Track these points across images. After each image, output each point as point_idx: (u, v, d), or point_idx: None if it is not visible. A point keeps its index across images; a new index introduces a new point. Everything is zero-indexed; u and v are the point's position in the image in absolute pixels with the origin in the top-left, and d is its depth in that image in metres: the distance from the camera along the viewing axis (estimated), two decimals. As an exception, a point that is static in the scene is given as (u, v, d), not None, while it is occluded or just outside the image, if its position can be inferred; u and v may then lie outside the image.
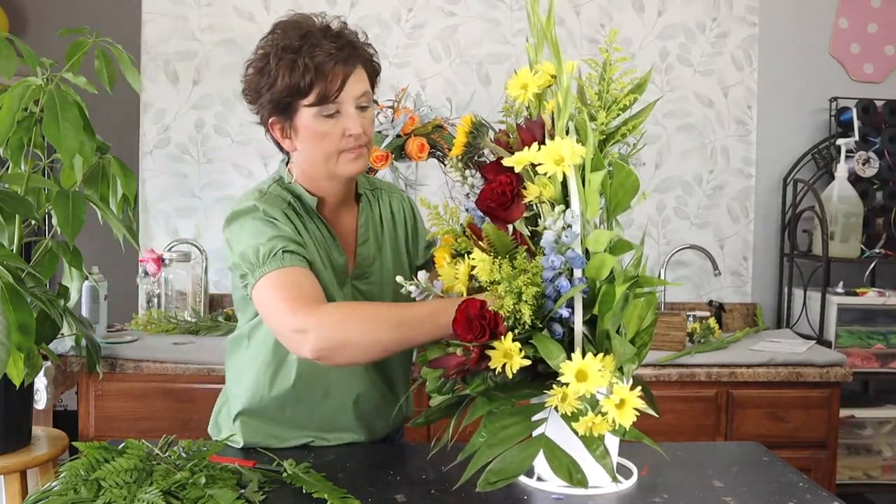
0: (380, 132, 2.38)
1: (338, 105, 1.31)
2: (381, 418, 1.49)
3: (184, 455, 1.23)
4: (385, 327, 1.21)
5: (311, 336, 1.19)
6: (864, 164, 2.80)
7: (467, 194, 1.29)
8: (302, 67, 1.27)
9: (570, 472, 1.12)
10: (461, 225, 1.31)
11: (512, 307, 1.11)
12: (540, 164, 1.10)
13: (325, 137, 1.32)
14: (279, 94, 1.30)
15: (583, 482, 1.12)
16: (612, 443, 1.20)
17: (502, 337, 1.10)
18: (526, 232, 1.19)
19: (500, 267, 1.13)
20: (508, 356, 1.10)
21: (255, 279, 1.28)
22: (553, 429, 1.13)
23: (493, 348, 1.11)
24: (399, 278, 1.25)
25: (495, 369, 1.11)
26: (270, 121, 1.36)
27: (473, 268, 1.18)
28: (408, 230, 1.53)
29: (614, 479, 1.16)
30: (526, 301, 1.10)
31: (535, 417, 1.14)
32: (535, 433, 1.14)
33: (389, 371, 1.48)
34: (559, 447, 1.13)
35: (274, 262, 1.27)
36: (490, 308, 1.11)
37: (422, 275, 1.22)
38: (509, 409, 1.14)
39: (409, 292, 1.23)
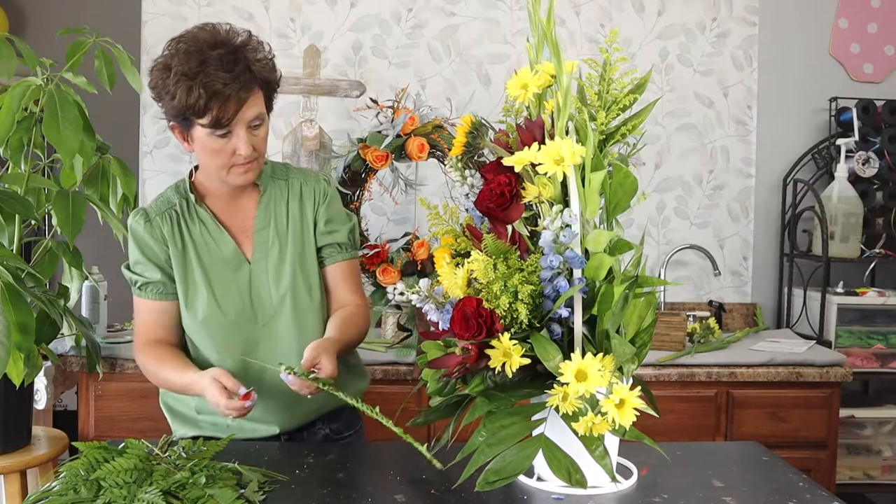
0: (380, 132, 2.38)
1: (230, 128, 1.42)
2: (297, 405, 1.54)
3: (184, 455, 1.23)
4: (168, 387, 1.54)
5: (140, 368, 1.56)
6: (864, 164, 2.79)
7: (467, 194, 1.29)
8: (197, 94, 1.37)
9: (570, 472, 1.12)
10: (461, 225, 1.31)
11: (508, 306, 1.11)
12: (540, 164, 1.10)
13: (218, 153, 1.44)
14: (177, 109, 1.41)
15: (582, 482, 1.12)
16: (612, 443, 1.20)
17: (499, 335, 1.10)
18: (525, 232, 1.19)
19: (494, 266, 1.13)
20: (508, 355, 1.10)
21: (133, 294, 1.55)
22: (552, 429, 1.13)
23: (492, 347, 1.11)
24: (400, 284, 1.27)
25: (495, 369, 1.11)
26: (171, 124, 1.48)
27: (471, 272, 1.18)
28: (317, 216, 1.58)
29: (613, 480, 1.16)
30: (522, 300, 1.10)
31: (535, 417, 1.14)
32: (534, 433, 1.14)
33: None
34: (558, 447, 1.13)
35: (136, 290, 1.54)
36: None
37: (423, 282, 1.22)
38: (509, 408, 1.14)
39: (411, 300, 1.22)
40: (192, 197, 1.54)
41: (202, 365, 1.52)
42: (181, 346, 1.57)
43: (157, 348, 1.52)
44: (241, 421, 1.50)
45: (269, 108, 1.51)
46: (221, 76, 1.37)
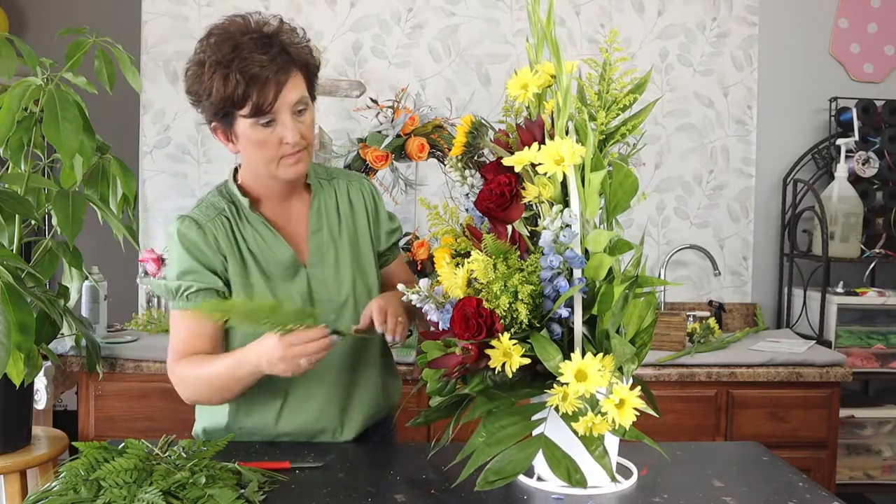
0: (380, 132, 2.38)
1: (273, 114, 1.33)
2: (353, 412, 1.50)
3: (184, 455, 1.23)
4: (213, 385, 1.39)
5: (177, 390, 1.43)
6: (863, 164, 2.79)
7: (467, 194, 1.29)
8: (234, 81, 1.30)
9: (569, 472, 1.12)
10: (461, 225, 1.31)
11: (508, 306, 1.11)
12: (540, 164, 1.10)
13: (263, 145, 1.35)
14: (216, 104, 1.33)
15: (581, 482, 1.12)
16: (612, 443, 1.20)
17: (499, 335, 1.10)
18: (525, 232, 1.19)
19: (494, 266, 1.13)
20: (508, 355, 1.10)
21: (171, 306, 1.44)
22: (552, 428, 1.13)
23: (492, 346, 1.11)
24: (401, 286, 1.24)
25: (494, 369, 1.11)
26: (213, 125, 1.39)
27: (471, 272, 1.18)
28: (368, 216, 1.54)
29: (613, 480, 1.16)
30: (522, 300, 1.10)
31: (535, 417, 1.14)
32: (534, 433, 1.14)
33: (352, 375, 1.49)
34: (558, 447, 1.13)
35: (180, 303, 1.41)
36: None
37: (423, 282, 1.22)
38: (508, 408, 1.14)
39: (411, 300, 1.22)
40: (244, 202, 1.44)
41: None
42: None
43: (195, 356, 1.41)
44: (294, 436, 1.46)
45: (311, 94, 1.42)
46: (257, 58, 1.30)
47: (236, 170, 1.49)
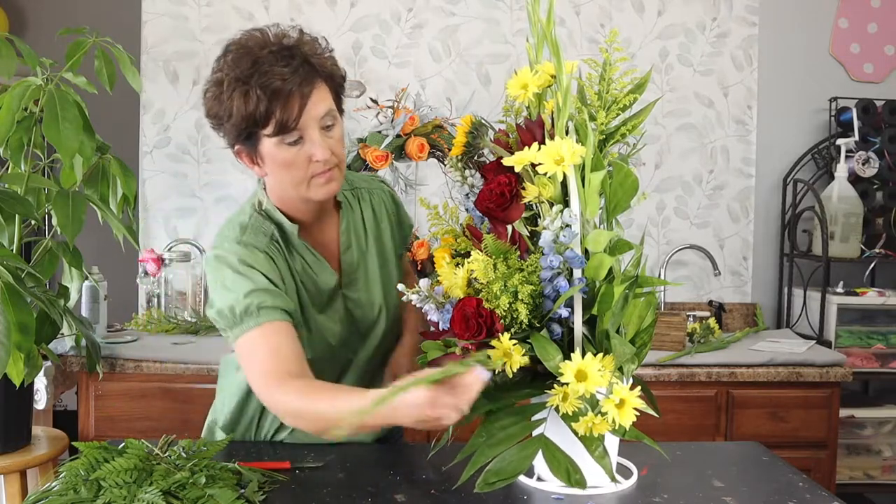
0: (380, 132, 2.38)
1: (300, 131, 1.24)
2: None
3: (184, 455, 1.23)
4: (328, 426, 1.15)
5: (277, 412, 1.25)
6: (864, 164, 2.79)
7: (467, 194, 1.29)
8: (255, 98, 1.20)
9: (569, 472, 1.12)
10: (461, 225, 1.31)
11: (508, 306, 1.11)
12: (540, 164, 1.10)
13: (291, 165, 1.26)
14: (238, 125, 1.24)
15: (581, 483, 1.12)
16: (612, 443, 1.20)
17: (499, 335, 1.10)
18: (525, 232, 1.19)
19: (494, 266, 1.13)
20: (508, 356, 1.10)
21: (234, 337, 1.26)
22: (552, 429, 1.13)
23: (492, 347, 1.11)
24: (401, 286, 1.21)
25: (495, 369, 1.11)
26: (236, 148, 1.30)
27: (471, 272, 1.18)
28: (391, 223, 1.49)
29: (613, 480, 1.16)
30: (522, 300, 1.10)
31: (535, 417, 1.14)
32: (534, 433, 1.14)
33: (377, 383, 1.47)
34: (558, 448, 1.13)
35: (250, 321, 1.24)
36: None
37: (423, 282, 1.22)
38: (508, 408, 1.14)
39: (411, 300, 1.22)
40: (290, 228, 1.33)
41: None
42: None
43: (302, 380, 1.22)
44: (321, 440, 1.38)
45: (339, 107, 1.32)
46: (278, 71, 1.21)
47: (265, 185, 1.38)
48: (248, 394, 1.40)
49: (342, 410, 1.12)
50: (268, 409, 1.39)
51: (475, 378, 1.04)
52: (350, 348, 1.42)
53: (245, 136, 1.26)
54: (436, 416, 1.05)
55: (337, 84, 1.31)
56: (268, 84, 1.21)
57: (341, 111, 1.33)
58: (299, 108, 1.22)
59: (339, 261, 1.40)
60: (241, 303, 1.24)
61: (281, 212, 1.35)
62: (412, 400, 1.05)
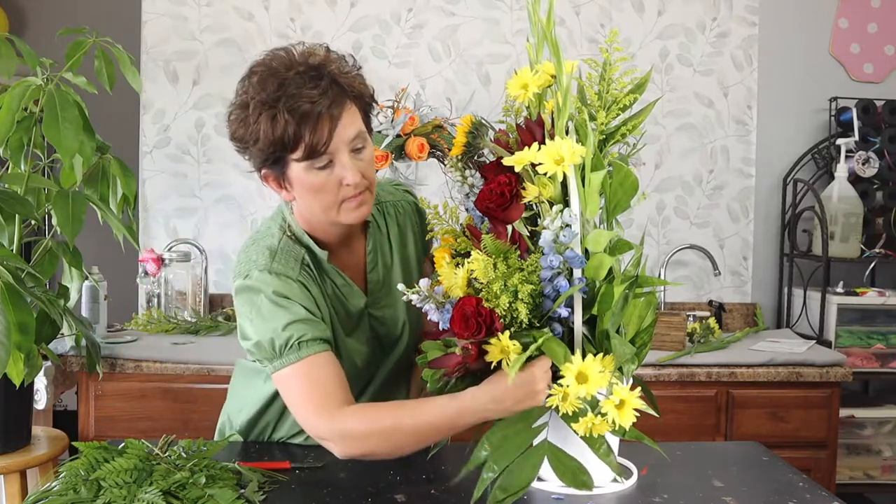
0: (380, 132, 2.38)
1: (330, 155, 1.20)
2: None
3: (184, 455, 1.23)
4: (406, 441, 1.18)
5: (336, 446, 1.20)
6: (864, 164, 2.79)
7: (467, 194, 1.29)
8: (283, 122, 1.16)
9: (576, 475, 1.12)
10: (461, 225, 1.31)
11: (508, 305, 1.11)
12: (540, 164, 1.10)
13: (322, 190, 1.22)
14: (265, 149, 1.20)
15: (588, 484, 1.12)
16: (612, 443, 1.20)
17: (499, 334, 1.10)
18: (525, 232, 1.19)
19: (494, 266, 1.13)
20: (505, 352, 1.10)
21: (274, 369, 1.23)
22: (553, 429, 1.13)
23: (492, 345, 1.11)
24: (400, 286, 1.19)
25: (495, 369, 1.11)
26: (263, 173, 1.26)
27: (471, 272, 1.18)
28: (415, 235, 1.45)
29: (618, 476, 1.16)
30: (522, 299, 1.10)
31: (536, 423, 1.14)
32: (537, 440, 1.14)
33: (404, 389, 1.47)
34: (563, 452, 1.12)
35: (291, 355, 1.21)
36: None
37: (423, 282, 1.22)
38: (509, 418, 1.13)
39: (411, 300, 1.21)
40: (322, 255, 1.30)
41: None
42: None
43: (357, 405, 1.22)
44: None
45: (368, 127, 1.28)
46: (306, 94, 1.17)
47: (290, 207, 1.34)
48: (271, 403, 1.39)
49: (426, 416, 1.14)
50: (285, 416, 1.39)
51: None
52: (374, 366, 1.40)
53: (273, 161, 1.22)
54: (542, 388, 1.10)
55: (366, 104, 1.28)
56: (296, 107, 1.16)
57: (370, 131, 1.30)
58: (329, 132, 1.19)
59: (365, 281, 1.37)
60: (280, 336, 1.21)
61: (309, 235, 1.32)
62: (520, 380, 1.09)
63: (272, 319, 1.22)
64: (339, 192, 1.22)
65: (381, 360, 1.41)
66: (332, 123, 1.18)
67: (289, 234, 1.31)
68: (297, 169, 1.21)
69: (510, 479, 1.10)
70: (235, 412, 1.46)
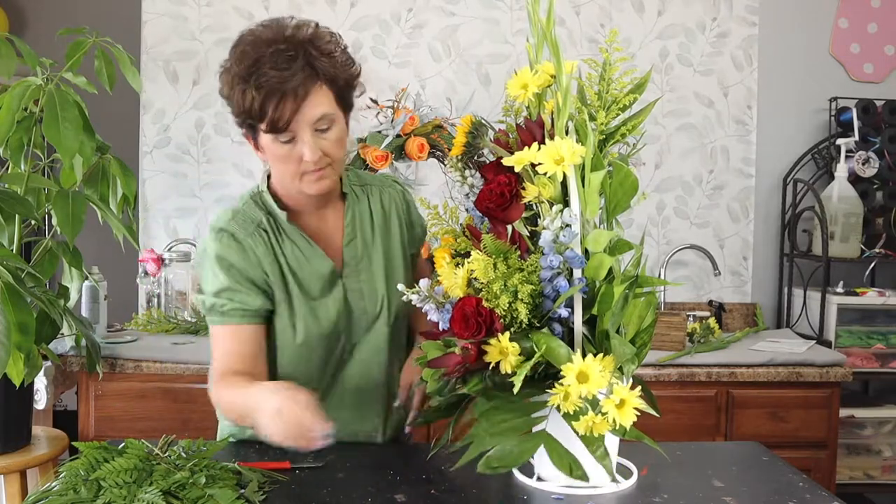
0: (380, 132, 2.38)
1: (292, 132, 1.29)
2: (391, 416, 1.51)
3: (184, 455, 1.23)
4: (236, 416, 1.33)
5: (214, 402, 1.38)
6: (864, 164, 2.79)
7: (467, 194, 1.29)
8: (251, 96, 1.26)
9: (571, 467, 1.12)
10: (461, 225, 1.31)
11: (508, 306, 1.11)
12: (540, 164, 1.10)
13: (285, 161, 1.32)
14: (238, 117, 1.31)
15: (584, 477, 1.12)
16: (612, 442, 1.20)
17: (499, 334, 1.10)
18: (525, 232, 1.19)
19: (494, 266, 1.13)
20: (504, 353, 1.10)
21: (208, 323, 1.40)
22: (553, 428, 1.13)
23: (491, 345, 1.11)
24: (401, 286, 1.22)
25: (494, 368, 1.11)
26: (243, 133, 1.36)
27: (471, 272, 1.18)
28: (402, 223, 1.51)
29: (613, 479, 1.16)
30: (522, 300, 1.10)
31: (535, 415, 1.14)
32: (536, 429, 1.14)
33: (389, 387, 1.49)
34: (560, 444, 1.13)
35: (215, 318, 1.37)
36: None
37: (423, 282, 1.22)
38: (510, 403, 1.13)
39: (411, 300, 1.22)
40: (281, 215, 1.40)
41: None
42: (265, 378, 1.39)
43: (234, 377, 1.34)
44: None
45: (345, 107, 1.36)
46: (274, 74, 1.25)
47: (269, 175, 1.45)
48: None
49: (232, 399, 1.30)
50: None
51: (320, 430, 1.15)
52: (349, 338, 1.44)
53: (247, 126, 1.32)
54: (277, 429, 1.16)
55: (341, 87, 1.34)
56: (263, 84, 1.25)
57: (348, 109, 1.37)
58: (292, 111, 1.27)
59: (341, 250, 1.44)
60: (210, 298, 1.36)
61: (279, 198, 1.41)
62: (267, 405, 1.18)
63: (210, 283, 1.37)
64: (300, 166, 1.32)
65: (359, 335, 1.44)
66: (296, 103, 1.27)
67: (255, 198, 1.42)
68: (265, 138, 1.31)
69: (504, 452, 1.10)
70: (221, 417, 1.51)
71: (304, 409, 1.16)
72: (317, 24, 1.36)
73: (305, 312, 1.39)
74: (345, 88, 1.36)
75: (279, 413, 1.16)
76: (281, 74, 1.25)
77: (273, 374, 1.42)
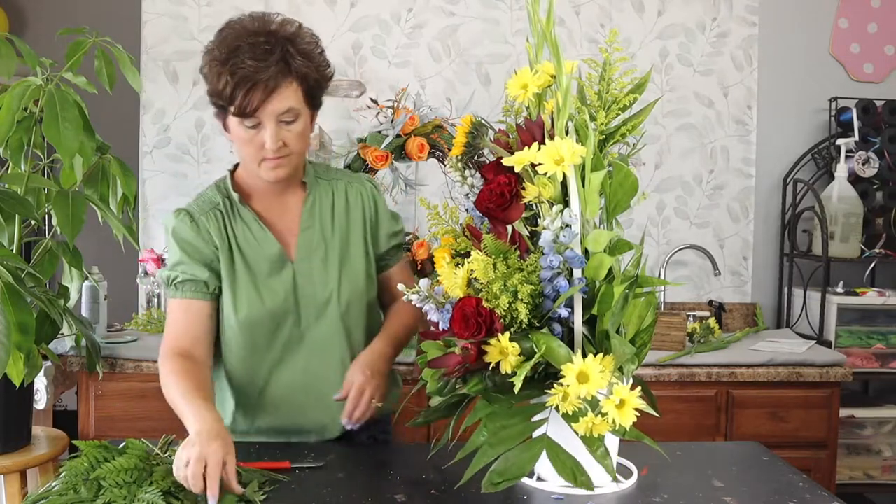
0: (380, 132, 2.38)
1: (258, 119, 1.37)
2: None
3: (184, 455, 1.23)
4: (166, 393, 1.39)
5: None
6: (863, 164, 2.79)
7: (467, 194, 1.29)
8: (224, 81, 1.35)
9: (574, 473, 1.12)
10: (461, 225, 1.31)
11: (507, 306, 1.11)
12: (540, 164, 1.10)
13: (247, 144, 1.40)
14: (212, 96, 1.40)
15: (587, 484, 1.12)
16: (612, 442, 1.20)
17: (499, 334, 1.10)
18: (525, 232, 1.19)
19: (494, 266, 1.13)
20: (504, 354, 1.10)
21: (167, 297, 1.50)
22: (553, 428, 1.13)
23: (491, 346, 1.11)
24: (401, 286, 1.24)
25: (494, 369, 1.11)
26: (215, 111, 1.44)
27: (471, 272, 1.18)
28: (366, 219, 1.55)
29: (614, 479, 1.16)
30: (521, 300, 1.10)
31: (536, 418, 1.14)
32: (536, 433, 1.14)
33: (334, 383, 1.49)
34: (562, 448, 1.12)
35: (170, 290, 1.47)
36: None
37: (423, 282, 1.22)
38: (509, 409, 1.13)
39: (411, 300, 1.22)
40: (234, 196, 1.49)
41: (233, 376, 1.50)
42: (208, 363, 1.47)
43: (183, 361, 1.41)
44: (280, 433, 1.51)
45: (312, 104, 1.45)
46: (250, 64, 1.34)
47: (236, 165, 1.54)
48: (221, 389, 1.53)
49: (172, 395, 1.36)
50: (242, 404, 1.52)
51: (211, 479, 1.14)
52: (297, 323, 1.49)
53: (218, 105, 1.41)
54: (180, 463, 1.15)
55: (312, 85, 1.43)
56: (237, 71, 1.34)
57: (316, 107, 1.47)
58: (259, 101, 1.35)
59: (296, 236, 1.51)
60: (167, 272, 1.48)
61: (242, 182, 1.52)
62: (190, 434, 1.21)
63: (169, 257, 1.49)
64: (260, 152, 1.40)
65: (308, 320, 1.49)
66: (265, 94, 1.35)
67: (219, 183, 1.53)
68: (232, 120, 1.40)
69: (507, 466, 1.10)
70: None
71: (203, 468, 1.14)
72: (300, 25, 1.43)
73: (249, 290, 1.46)
74: (315, 88, 1.44)
75: (189, 457, 1.15)
76: (256, 65, 1.34)
77: (218, 354, 1.51)
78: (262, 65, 1.34)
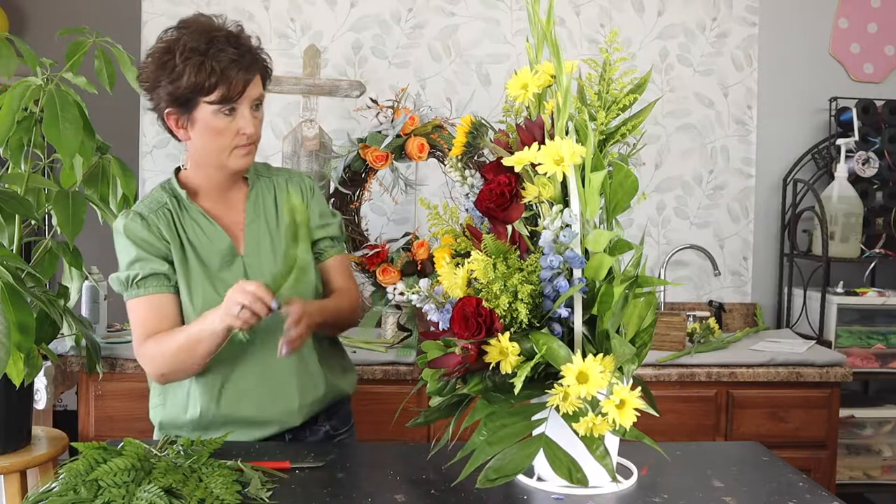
0: (380, 132, 2.38)
1: (236, 105, 1.45)
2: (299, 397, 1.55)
3: (183, 454, 1.23)
4: (183, 356, 1.45)
5: (146, 368, 1.51)
6: (864, 164, 2.79)
7: (467, 194, 1.29)
8: (208, 69, 1.40)
9: (570, 470, 1.12)
10: (461, 225, 1.31)
11: (507, 306, 1.11)
12: (540, 164, 1.10)
13: (221, 133, 1.46)
14: (182, 90, 1.42)
15: (583, 481, 1.12)
16: (612, 442, 1.20)
17: (499, 334, 1.10)
18: (525, 232, 1.19)
19: (494, 266, 1.13)
20: (504, 354, 1.10)
21: (125, 298, 1.51)
22: (553, 428, 1.13)
23: (491, 346, 1.11)
24: (401, 285, 1.26)
25: (494, 369, 1.11)
26: (167, 111, 1.47)
27: (471, 272, 1.18)
28: (308, 209, 1.60)
29: (614, 479, 1.16)
30: (521, 300, 1.10)
31: (536, 417, 1.14)
32: (535, 432, 1.14)
33: (287, 364, 1.53)
34: (559, 447, 1.13)
35: (131, 290, 1.49)
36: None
37: (423, 282, 1.22)
38: (509, 408, 1.14)
39: (411, 300, 1.22)
40: (182, 194, 1.54)
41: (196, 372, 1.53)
42: None
43: (158, 335, 1.48)
44: (243, 424, 1.51)
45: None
46: (231, 52, 1.42)
47: (177, 169, 1.60)
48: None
49: (178, 341, 1.43)
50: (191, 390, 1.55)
51: (268, 298, 1.34)
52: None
53: (182, 102, 1.44)
54: (238, 300, 1.34)
55: (266, 77, 1.53)
56: (221, 60, 1.41)
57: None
58: (242, 87, 1.43)
59: (244, 231, 1.57)
60: (124, 272, 1.50)
61: (187, 182, 1.56)
62: (224, 302, 1.37)
63: (122, 257, 1.52)
64: (234, 139, 1.47)
65: None
66: (245, 82, 1.44)
67: (164, 185, 1.58)
68: (205, 111, 1.44)
69: (503, 463, 1.10)
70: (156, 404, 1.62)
71: (254, 285, 1.34)
72: (241, 26, 1.51)
73: (205, 284, 1.51)
74: (267, 79, 1.54)
75: (238, 292, 1.35)
76: (237, 52, 1.43)
77: None
78: (240, 52, 1.43)
